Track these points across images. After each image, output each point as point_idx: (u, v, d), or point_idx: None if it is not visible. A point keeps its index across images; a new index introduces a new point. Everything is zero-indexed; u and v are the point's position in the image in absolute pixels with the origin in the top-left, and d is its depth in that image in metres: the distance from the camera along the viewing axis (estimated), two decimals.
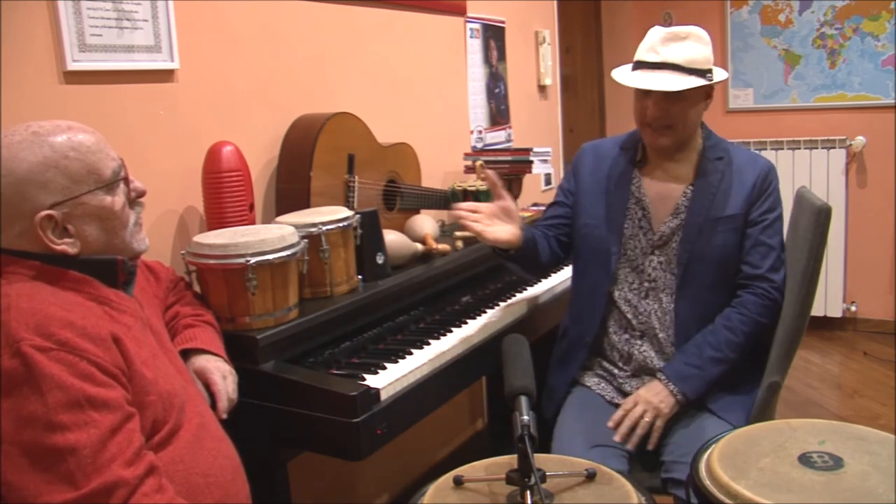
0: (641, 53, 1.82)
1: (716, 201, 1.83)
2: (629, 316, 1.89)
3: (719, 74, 1.83)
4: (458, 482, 1.27)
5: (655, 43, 1.80)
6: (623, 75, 1.84)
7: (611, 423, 1.80)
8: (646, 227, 1.87)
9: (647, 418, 1.76)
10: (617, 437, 1.77)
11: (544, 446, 1.75)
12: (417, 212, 2.38)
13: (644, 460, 1.83)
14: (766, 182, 1.84)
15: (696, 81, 1.75)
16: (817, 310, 4.05)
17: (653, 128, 1.82)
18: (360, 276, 1.88)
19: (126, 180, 1.27)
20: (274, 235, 1.61)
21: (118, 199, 1.24)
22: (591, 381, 1.95)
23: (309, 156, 1.97)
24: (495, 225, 1.80)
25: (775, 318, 1.83)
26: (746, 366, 1.86)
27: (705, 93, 1.83)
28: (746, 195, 1.83)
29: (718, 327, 1.80)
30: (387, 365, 1.67)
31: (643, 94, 1.81)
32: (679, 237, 1.84)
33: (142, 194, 1.31)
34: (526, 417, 1.18)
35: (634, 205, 1.89)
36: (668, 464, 1.73)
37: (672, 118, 1.79)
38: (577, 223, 1.96)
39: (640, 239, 1.88)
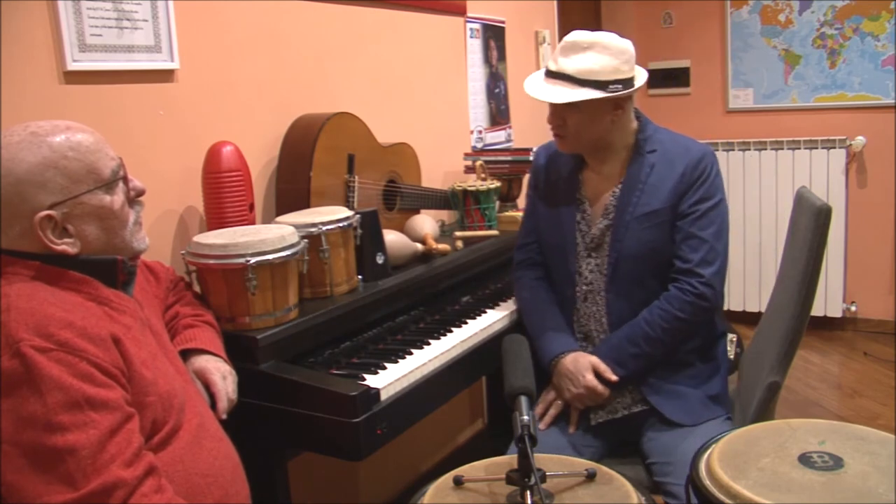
0: (549, 59, 1.82)
1: (643, 197, 1.80)
2: (574, 318, 1.90)
3: (640, 79, 1.80)
4: (458, 482, 1.27)
5: (557, 52, 1.79)
6: (529, 82, 1.84)
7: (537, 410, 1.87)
8: (584, 230, 1.88)
9: (559, 400, 1.85)
10: (541, 425, 1.85)
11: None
12: (417, 212, 2.38)
13: (637, 465, 1.83)
14: (698, 171, 1.78)
15: (587, 94, 1.72)
16: (817, 310, 4.05)
17: (554, 133, 1.84)
18: (360, 276, 1.88)
19: (125, 179, 1.27)
20: (274, 235, 1.61)
21: (117, 199, 1.24)
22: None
23: (309, 156, 1.97)
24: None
25: (701, 313, 1.78)
26: (698, 363, 1.84)
27: (612, 103, 1.77)
28: (673, 186, 1.78)
29: (639, 321, 1.79)
30: (387, 365, 1.67)
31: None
32: (609, 238, 1.83)
33: (141, 193, 1.31)
34: (526, 417, 1.18)
35: (577, 207, 1.89)
36: (662, 484, 1.74)
37: (567, 128, 1.80)
38: (539, 229, 1.98)
39: (579, 241, 1.88)
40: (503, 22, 3.26)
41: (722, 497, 1.17)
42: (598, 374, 1.78)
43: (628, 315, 1.81)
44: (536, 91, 1.78)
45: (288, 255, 1.61)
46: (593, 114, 1.77)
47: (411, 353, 1.74)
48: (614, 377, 1.76)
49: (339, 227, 1.79)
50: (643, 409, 1.82)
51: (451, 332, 1.90)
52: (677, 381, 1.81)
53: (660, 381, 1.81)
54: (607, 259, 1.83)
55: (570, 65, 1.74)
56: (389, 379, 1.60)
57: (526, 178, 2.83)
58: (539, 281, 1.98)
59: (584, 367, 1.78)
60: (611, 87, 1.73)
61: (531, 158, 2.71)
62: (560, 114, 1.79)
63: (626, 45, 1.77)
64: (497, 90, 3.22)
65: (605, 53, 1.74)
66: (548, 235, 1.94)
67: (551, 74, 1.78)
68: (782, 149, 4.16)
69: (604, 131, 1.81)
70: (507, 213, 2.60)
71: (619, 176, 1.85)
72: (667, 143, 1.84)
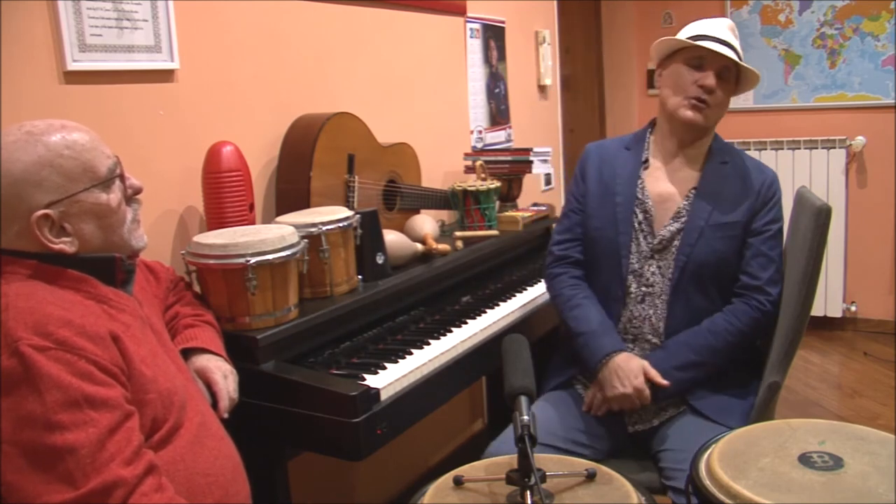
0: (702, 30, 1.82)
1: (718, 206, 1.81)
2: (623, 320, 1.87)
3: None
4: (458, 482, 1.27)
5: (719, 26, 1.82)
6: (688, 41, 1.81)
7: (585, 405, 1.86)
8: (646, 231, 1.86)
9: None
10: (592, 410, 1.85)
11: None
12: (417, 212, 2.38)
13: (642, 460, 1.83)
14: (771, 192, 1.84)
15: (752, 67, 1.81)
16: (817, 310, 4.05)
17: (698, 101, 1.79)
18: (360, 276, 1.88)
19: (122, 177, 1.27)
20: (274, 235, 1.61)
21: (114, 197, 1.24)
22: (580, 385, 1.94)
23: (309, 156, 1.97)
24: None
25: (764, 331, 1.82)
26: (741, 370, 1.85)
27: (731, 93, 1.85)
28: (751, 203, 1.82)
29: (702, 330, 1.79)
30: (387, 365, 1.67)
31: (695, 68, 1.80)
32: (678, 242, 1.82)
33: (138, 191, 1.31)
34: (526, 417, 1.18)
35: (637, 207, 1.87)
36: (667, 470, 1.73)
37: (717, 98, 1.80)
38: (587, 226, 1.94)
39: (641, 243, 1.86)
40: (503, 22, 3.26)
41: (722, 497, 1.17)
42: (647, 380, 1.76)
43: (686, 321, 1.81)
44: (718, 47, 1.77)
45: (288, 255, 1.61)
46: (731, 94, 1.84)
47: (411, 353, 1.74)
48: (665, 382, 1.74)
49: (339, 227, 1.79)
50: (678, 412, 1.82)
51: (451, 332, 1.89)
52: (719, 386, 1.81)
53: (704, 386, 1.80)
54: (674, 262, 1.82)
55: (733, 40, 1.81)
56: (389, 379, 1.60)
57: (526, 179, 2.85)
58: (579, 280, 1.95)
59: (636, 368, 1.75)
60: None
61: (530, 160, 2.74)
62: (717, 81, 1.79)
63: None
64: (497, 90, 3.22)
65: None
66: (599, 234, 1.90)
67: (718, 40, 1.79)
68: (782, 149, 4.16)
69: (722, 116, 1.86)
70: (507, 213, 2.60)
71: (692, 181, 1.85)
72: (737, 159, 1.88)
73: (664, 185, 1.87)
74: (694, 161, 1.87)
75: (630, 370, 1.76)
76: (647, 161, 1.90)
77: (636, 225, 1.86)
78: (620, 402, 1.78)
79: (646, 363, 1.77)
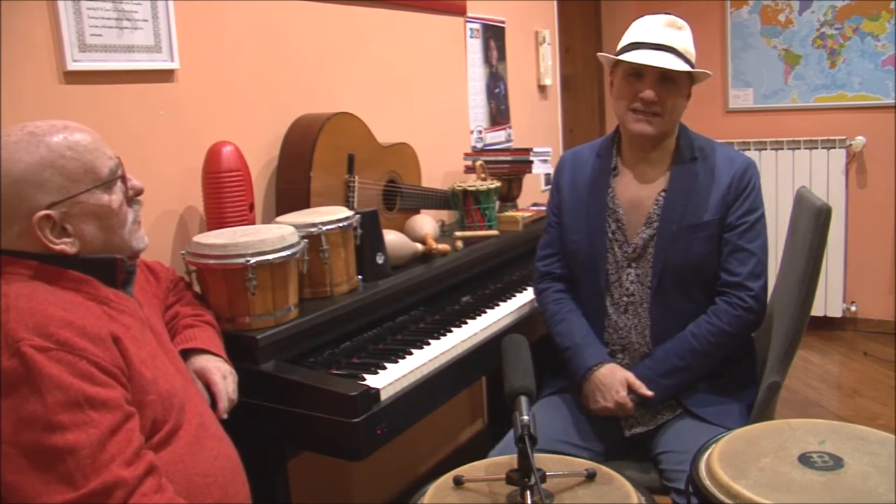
0: (638, 35, 1.75)
1: (689, 207, 1.75)
2: (609, 330, 1.84)
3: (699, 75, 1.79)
4: (458, 482, 1.27)
5: (655, 26, 1.74)
6: (621, 55, 1.75)
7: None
8: (621, 240, 1.81)
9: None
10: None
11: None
12: (417, 212, 2.38)
13: (642, 462, 1.83)
14: (744, 182, 1.75)
15: (700, 69, 1.74)
16: (817, 310, 4.05)
17: (643, 113, 1.73)
18: (360, 276, 1.88)
19: (123, 178, 1.27)
20: (274, 235, 1.61)
21: (116, 198, 1.24)
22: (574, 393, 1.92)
23: (309, 156, 1.97)
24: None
25: (751, 327, 1.79)
26: (737, 373, 1.83)
27: (688, 90, 1.78)
28: (721, 197, 1.74)
29: (686, 334, 1.76)
30: (387, 365, 1.67)
31: (635, 78, 1.74)
32: (653, 248, 1.78)
33: (139, 192, 1.31)
34: (526, 417, 1.18)
35: (609, 217, 1.82)
36: (668, 472, 1.72)
37: (663, 104, 1.72)
38: (565, 239, 1.91)
39: (616, 252, 1.82)
40: (503, 22, 3.26)
41: (722, 497, 1.17)
42: (631, 390, 1.74)
43: (673, 327, 1.77)
44: (647, 58, 1.68)
45: (288, 255, 1.61)
46: (683, 94, 1.77)
47: (411, 353, 1.74)
48: (649, 393, 1.72)
49: (339, 227, 1.79)
50: (675, 415, 1.80)
51: (451, 332, 1.90)
52: (715, 388, 1.79)
53: (698, 388, 1.79)
54: (652, 270, 1.77)
55: (673, 39, 1.72)
56: (389, 379, 1.60)
57: (526, 179, 2.85)
58: (563, 293, 1.93)
59: (618, 381, 1.74)
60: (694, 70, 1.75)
61: (530, 160, 2.74)
62: (659, 88, 1.71)
63: None
64: (497, 90, 3.22)
65: (691, 37, 1.76)
66: (577, 247, 1.87)
67: (652, 46, 1.71)
68: (782, 149, 4.16)
69: (679, 118, 1.79)
70: (507, 213, 2.60)
71: (661, 182, 1.80)
72: (707, 151, 1.80)
73: (634, 190, 1.82)
74: (660, 163, 1.81)
75: (612, 384, 1.75)
76: (616, 168, 1.85)
77: (610, 234, 1.82)
78: (604, 414, 1.78)
79: (629, 375, 1.76)
